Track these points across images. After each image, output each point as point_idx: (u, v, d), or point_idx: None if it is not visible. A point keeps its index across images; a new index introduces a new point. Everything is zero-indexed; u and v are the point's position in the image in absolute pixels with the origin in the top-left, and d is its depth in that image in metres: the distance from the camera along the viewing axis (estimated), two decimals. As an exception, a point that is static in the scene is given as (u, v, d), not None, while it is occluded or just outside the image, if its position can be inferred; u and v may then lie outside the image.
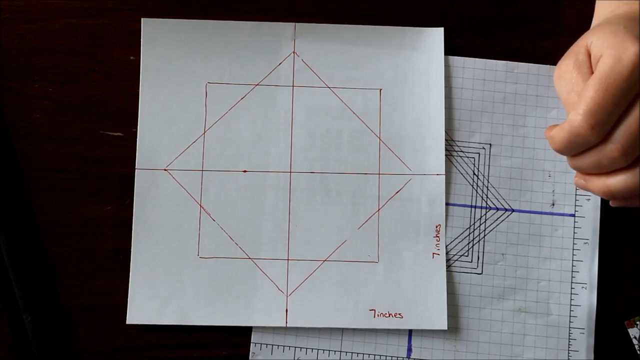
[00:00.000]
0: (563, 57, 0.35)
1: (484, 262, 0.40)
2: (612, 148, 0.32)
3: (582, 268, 0.40)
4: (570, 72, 0.34)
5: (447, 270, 0.40)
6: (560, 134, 0.33)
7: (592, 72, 0.33)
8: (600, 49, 0.32)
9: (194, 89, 0.40)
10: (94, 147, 0.40)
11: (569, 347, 0.40)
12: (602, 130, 0.31)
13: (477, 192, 0.41)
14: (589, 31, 0.35)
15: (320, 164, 0.40)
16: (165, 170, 0.40)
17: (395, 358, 0.40)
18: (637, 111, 0.31)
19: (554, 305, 0.40)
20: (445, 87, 0.41)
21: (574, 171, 0.41)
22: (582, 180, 0.35)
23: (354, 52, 0.41)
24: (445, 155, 0.40)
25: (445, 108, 0.41)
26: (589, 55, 0.33)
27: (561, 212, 0.40)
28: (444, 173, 0.40)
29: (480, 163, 0.41)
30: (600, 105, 0.31)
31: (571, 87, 0.33)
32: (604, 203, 0.40)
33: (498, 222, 0.40)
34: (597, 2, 0.37)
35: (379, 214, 0.40)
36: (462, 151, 0.41)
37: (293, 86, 0.41)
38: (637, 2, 0.35)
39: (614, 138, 0.31)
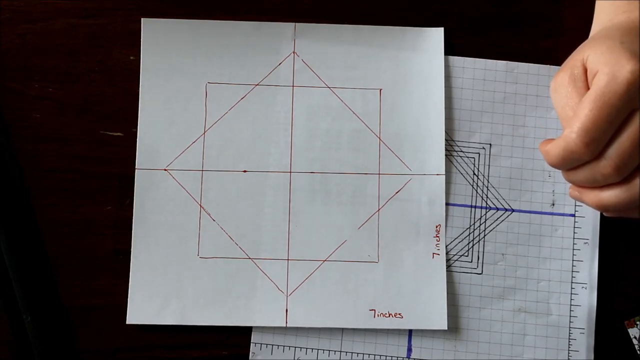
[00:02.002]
0: (559, 70, 0.35)
1: (484, 262, 0.40)
2: (605, 164, 0.32)
3: (582, 268, 0.40)
4: (565, 86, 0.34)
5: (447, 270, 0.40)
6: (554, 149, 0.33)
7: (587, 87, 0.33)
8: (596, 65, 0.32)
9: (194, 89, 0.40)
10: (94, 147, 0.40)
11: (569, 347, 0.40)
12: (596, 148, 0.32)
13: (477, 192, 0.41)
14: (585, 43, 0.35)
15: (320, 164, 0.40)
16: (165, 170, 0.40)
17: (395, 358, 0.40)
18: (631, 128, 0.31)
19: (554, 305, 0.40)
20: (445, 87, 0.41)
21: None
22: (576, 193, 0.36)
23: (354, 52, 0.41)
24: (445, 155, 0.40)
25: (445, 108, 0.41)
26: (585, 70, 0.33)
27: (561, 212, 0.40)
28: (444, 173, 0.40)
29: (480, 163, 0.41)
30: (594, 123, 0.31)
31: (566, 101, 0.34)
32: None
33: (498, 222, 0.40)
34: (596, 7, 0.37)
35: (379, 214, 0.40)
36: (462, 151, 0.41)
37: (293, 86, 0.41)
38: (636, 10, 0.35)
39: (608, 155, 0.32)
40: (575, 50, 0.35)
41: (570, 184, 0.36)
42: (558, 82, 0.35)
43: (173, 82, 0.40)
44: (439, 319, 0.39)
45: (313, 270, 0.40)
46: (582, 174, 0.34)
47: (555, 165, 0.34)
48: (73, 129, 0.41)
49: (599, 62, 0.32)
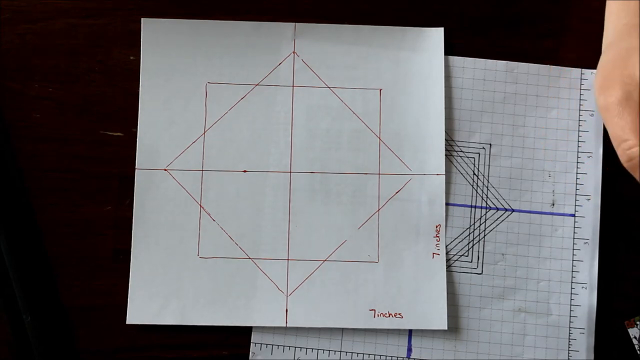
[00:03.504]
0: (606, 86, 0.35)
1: (484, 262, 0.40)
2: None
3: (582, 268, 0.40)
4: (616, 105, 0.34)
5: (447, 270, 0.40)
6: None
7: None
8: None
9: (194, 89, 0.40)
10: (94, 147, 0.40)
11: (569, 347, 0.40)
12: None
13: (477, 192, 0.41)
14: (628, 56, 0.35)
15: (320, 164, 0.40)
16: (165, 170, 0.40)
17: (395, 358, 0.40)
18: None
19: (554, 305, 0.40)
20: (445, 87, 0.41)
21: (574, 171, 0.41)
22: None
23: (354, 52, 0.41)
24: (445, 155, 0.40)
25: (445, 108, 0.41)
26: (638, 86, 0.33)
27: (561, 212, 0.40)
28: (444, 173, 0.40)
29: (480, 163, 0.41)
30: None
31: (624, 123, 0.34)
32: (604, 203, 0.40)
33: (498, 222, 0.40)
34: (607, 9, 0.37)
35: (379, 214, 0.40)
36: (462, 151, 0.41)
37: (293, 86, 0.41)
38: None
39: None
40: (612, 63, 0.35)
41: None
42: (610, 100, 0.34)
43: (173, 82, 0.40)
44: (439, 319, 0.39)
45: (313, 270, 0.40)
46: None
47: None
48: (73, 129, 0.41)
49: None
